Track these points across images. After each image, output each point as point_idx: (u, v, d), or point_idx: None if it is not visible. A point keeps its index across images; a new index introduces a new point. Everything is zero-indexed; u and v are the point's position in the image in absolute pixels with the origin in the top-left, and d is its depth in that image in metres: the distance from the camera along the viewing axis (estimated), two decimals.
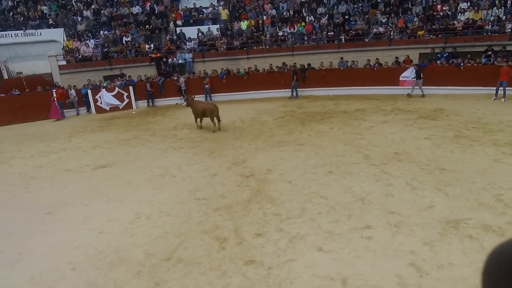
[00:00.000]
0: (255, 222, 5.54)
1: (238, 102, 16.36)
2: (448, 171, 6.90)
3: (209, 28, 19.04)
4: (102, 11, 20.37)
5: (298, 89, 16.18)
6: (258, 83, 16.77)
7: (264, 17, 19.40)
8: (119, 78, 16.93)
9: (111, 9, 20.60)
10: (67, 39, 18.74)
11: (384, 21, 17.53)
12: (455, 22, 16.16)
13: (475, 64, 14.40)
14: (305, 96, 16.20)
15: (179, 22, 19.70)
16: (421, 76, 14.33)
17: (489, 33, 15.40)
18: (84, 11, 20.48)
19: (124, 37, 18.89)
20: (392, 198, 5.99)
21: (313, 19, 18.62)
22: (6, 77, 17.98)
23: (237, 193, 6.64)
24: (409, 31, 16.76)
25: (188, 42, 18.49)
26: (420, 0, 17.81)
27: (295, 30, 18.32)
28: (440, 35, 16.12)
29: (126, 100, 16.63)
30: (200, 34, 18.68)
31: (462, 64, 14.39)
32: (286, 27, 18.56)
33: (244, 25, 19.09)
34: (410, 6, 17.92)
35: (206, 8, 20.37)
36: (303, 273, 4.26)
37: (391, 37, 16.91)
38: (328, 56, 16.92)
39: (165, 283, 4.29)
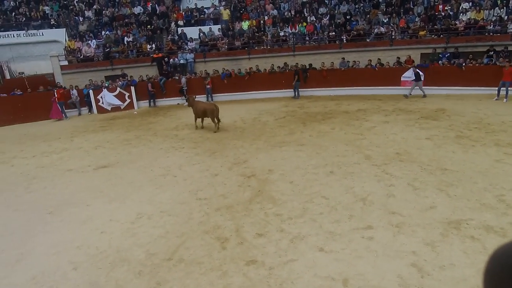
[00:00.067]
0: (256, 222, 5.54)
1: (239, 102, 16.37)
2: (450, 171, 6.88)
3: (210, 28, 19.06)
4: (103, 12, 20.42)
5: (299, 89, 16.19)
6: (260, 84, 16.78)
7: (266, 17, 19.41)
8: (120, 78, 16.96)
9: (113, 10, 20.65)
10: (69, 39, 18.80)
11: (385, 21, 17.52)
12: (457, 22, 16.13)
13: (477, 64, 14.36)
14: (307, 96, 16.20)
15: (180, 22, 19.73)
16: (421, 78, 14.30)
17: (491, 33, 15.37)
18: (86, 11, 20.54)
19: (125, 37, 18.93)
20: (394, 198, 5.98)
21: (314, 19, 18.62)
22: (8, 77, 18.04)
23: (238, 193, 6.64)
24: (410, 31, 16.74)
25: (190, 42, 18.51)
26: (421, 0, 17.78)
27: (296, 30, 18.32)
28: (441, 35, 16.09)
29: (128, 100, 16.66)
30: (201, 34, 18.70)
31: (464, 64, 14.36)
32: (288, 27, 18.56)
33: (245, 25, 19.11)
34: (412, 6, 17.89)
35: (208, 8, 20.40)
36: (304, 273, 4.26)
37: (393, 37, 16.89)
38: (330, 56, 16.92)
39: (166, 283, 4.29)
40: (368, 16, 18.13)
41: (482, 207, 5.46)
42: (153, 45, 18.33)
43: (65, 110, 15.72)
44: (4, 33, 18.87)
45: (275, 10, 19.74)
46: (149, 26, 19.56)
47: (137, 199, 6.69)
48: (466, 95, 13.91)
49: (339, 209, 5.73)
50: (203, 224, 5.60)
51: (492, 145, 8.14)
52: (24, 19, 19.55)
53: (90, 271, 4.60)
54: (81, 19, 20.14)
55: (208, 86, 16.64)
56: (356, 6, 18.86)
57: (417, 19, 17.05)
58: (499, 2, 16.09)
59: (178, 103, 16.84)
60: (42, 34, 19.16)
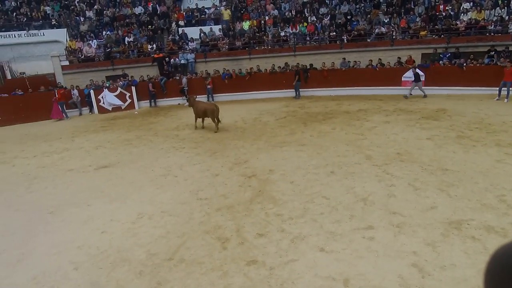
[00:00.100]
0: (257, 222, 5.54)
1: (240, 102, 16.37)
2: (451, 171, 6.88)
3: (211, 29, 19.07)
4: (104, 12, 20.45)
5: (300, 90, 16.18)
6: (260, 84, 16.78)
7: (266, 18, 19.41)
8: (121, 78, 16.98)
9: (114, 10, 20.68)
10: (70, 40, 18.82)
11: (386, 21, 17.51)
12: (457, 22, 16.11)
13: (478, 65, 14.35)
14: (307, 96, 16.20)
15: (181, 23, 19.75)
16: (420, 78, 14.29)
17: (492, 33, 15.36)
18: (86, 11, 20.56)
19: (126, 37, 18.95)
20: (394, 198, 5.97)
21: (315, 19, 18.61)
22: (9, 77, 18.09)
23: (239, 193, 6.64)
24: (411, 31, 16.73)
25: (190, 42, 18.52)
26: (422, 0, 17.77)
27: (297, 31, 18.32)
28: (442, 35, 16.08)
29: (129, 100, 16.68)
30: (202, 34, 18.70)
31: (464, 64, 14.35)
32: (288, 27, 18.56)
33: (246, 25, 19.11)
34: (413, 6, 17.88)
35: (208, 8, 20.41)
36: (305, 274, 4.26)
37: (394, 37, 16.88)
38: (330, 57, 16.92)
39: (167, 283, 4.29)
40: (369, 16, 18.12)
41: (483, 207, 5.45)
42: (154, 45, 18.35)
43: (66, 110, 15.74)
44: (5, 33, 18.91)
45: (276, 10, 19.74)
46: (150, 26, 19.57)
47: (138, 199, 6.70)
48: (467, 95, 13.89)
49: (340, 209, 5.73)
50: (204, 224, 5.60)
51: (493, 145, 8.13)
52: (25, 19, 19.58)
53: (91, 271, 4.61)
54: (82, 19, 20.17)
55: (209, 86, 16.64)
56: (357, 6, 18.85)
57: (418, 19, 17.04)
58: (500, 2, 16.07)
59: (178, 103, 16.85)
60: (43, 34, 19.19)
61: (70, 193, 7.26)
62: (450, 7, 16.90)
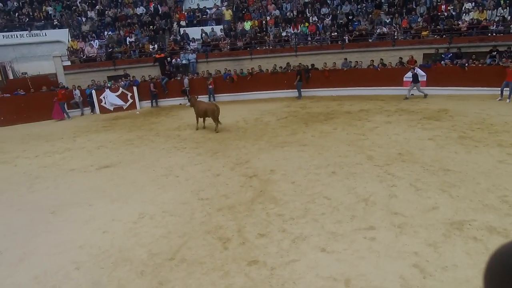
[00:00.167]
0: (258, 222, 5.54)
1: (241, 102, 16.38)
2: (452, 172, 6.86)
3: (212, 29, 19.09)
4: (106, 12, 20.48)
5: (301, 90, 16.17)
6: (262, 84, 16.78)
7: (268, 18, 19.41)
8: (123, 78, 17.00)
9: (116, 10, 20.72)
10: (71, 40, 18.86)
11: (388, 21, 17.48)
12: (459, 22, 16.08)
13: (480, 65, 14.32)
14: (309, 96, 16.18)
15: (182, 23, 19.77)
16: (418, 79, 14.25)
17: (494, 34, 15.32)
18: (88, 11, 20.60)
19: (128, 37, 18.98)
20: (396, 199, 5.96)
21: (316, 19, 18.60)
22: (11, 77, 18.14)
23: (240, 194, 6.64)
24: (413, 32, 16.70)
25: (192, 42, 18.54)
26: (424, 1, 17.74)
27: (298, 31, 18.31)
28: (444, 36, 16.05)
29: (130, 101, 16.70)
30: (203, 34, 18.72)
31: (466, 64, 14.31)
32: (290, 27, 18.56)
33: (247, 25, 19.11)
34: (414, 7, 17.85)
35: (210, 8, 20.43)
36: (306, 274, 4.26)
37: (395, 37, 16.86)
38: (332, 57, 16.90)
39: (168, 282, 4.30)
40: (371, 16, 18.10)
41: (485, 208, 5.44)
42: (156, 46, 18.37)
43: (68, 110, 15.78)
44: (7, 33, 18.96)
45: (277, 10, 19.74)
46: (151, 27, 19.60)
47: (139, 199, 6.71)
48: (469, 95, 13.86)
49: (341, 210, 5.72)
50: (205, 224, 5.60)
51: (495, 146, 8.11)
52: (27, 19, 19.64)
53: (92, 271, 4.62)
54: (83, 19, 20.21)
55: (210, 87, 16.65)
56: (359, 6, 18.84)
57: (419, 19, 17.01)
58: (502, 2, 16.03)
59: (180, 104, 16.87)
60: (45, 35, 19.23)
61: (71, 193, 7.27)
62: (452, 7, 16.87)
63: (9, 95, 15.71)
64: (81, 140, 11.64)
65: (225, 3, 20.61)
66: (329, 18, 18.41)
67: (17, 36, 19.02)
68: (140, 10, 20.71)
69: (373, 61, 15.98)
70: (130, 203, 6.57)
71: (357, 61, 16.41)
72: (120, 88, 16.43)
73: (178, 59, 17.88)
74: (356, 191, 6.37)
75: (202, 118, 11.80)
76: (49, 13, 20.25)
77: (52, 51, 17.91)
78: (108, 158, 9.45)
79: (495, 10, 15.89)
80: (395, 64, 15.79)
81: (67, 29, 19.49)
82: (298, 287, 4.06)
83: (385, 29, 17.09)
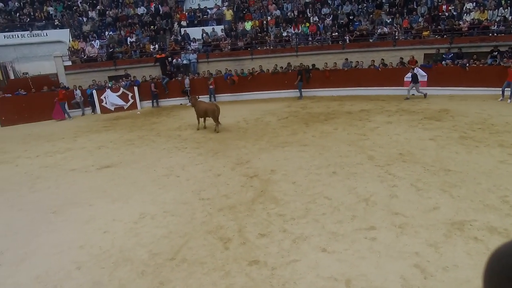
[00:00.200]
0: (259, 222, 5.54)
1: (242, 102, 16.39)
2: (453, 172, 6.86)
3: (213, 29, 19.10)
4: (107, 12, 20.51)
5: (302, 90, 16.17)
6: (262, 84, 16.79)
7: (268, 18, 19.42)
8: (124, 78, 17.02)
9: (116, 10, 20.74)
10: (72, 40, 18.89)
11: (389, 21, 17.48)
12: (460, 22, 16.07)
13: (481, 65, 14.30)
14: (309, 96, 16.19)
15: (183, 23, 19.78)
16: (418, 79, 14.24)
17: (495, 34, 15.30)
18: (89, 12, 20.63)
19: (129, 37, 19.00)
20: (397, 199, 5.96)
21: (317, 19, 18.61)
22: (12, 77, 18.18)
23: (241, 194, 6.64)
24: (414, 32, 16.70)
25: (193, 42, 18.55)
26: (425, 1, 17.72)
27: (299, 31, 18.32)
28: (445, 36, 16.04)
29: (131, 101, 16.72)
30: (204, 34, 18.73)
31: (467, 64, 14.30)
32: (291, 27, 18.56)
33: (248, 25, 19.12)
34: (415, 7, 17.85)
35: (211, 8, 20.45)
36: (306, 274, 4.26)
37: (396, 37, 16.85)
38: (333, 57, 16.90)
39: (169, 282, 4.30)
40: (371, 16, 18.10)
41: (486, 208, 5.43)
42: (156, 46, 18.39)
43: (69, 110, 15.80)
44: (8, 33, 19.00)
45: (278, 10, 19.75)
46: (152, 27, 19.62)
47: (140, 199, 6.71)
48: (469, 95, 13.85)
49: (342, 210, 5.72)
50: (206, 224, 5.61)
51: (496, 146, 8.10)
52: (28, 19, 19.67)
53: (93, 271, 4.62)
54: (84, 19, 20.24)
55: (211, 87, 16.66)
56: (359, 6, 18.83)
57: (420, 19, 17.00)
58: (503, 2, 16.01)
59: (181, 104, 16.88)
60: (46, 35, 19.26)
61: (72, 193, 7.28)
62: (453, 7, 16.86)
63: (10, 95, 15.73)
64: (82, 140, 11.65)
65: (226, 3, 20.62)
66: (330, 18, 18.41)
67: (18, 36, 19.05)
68: (141, 10, 20.73)
69: (374, 61, 15.97)
70: (131, 203, 6.58)
71: (358, 61, 16.41)
72: (121, 88, 16.45)
73: (179, 59, 17.90)
74: (356, 191, 6.36)
75: (202, 118, 11.81)
76: (50, 13, 20.28)
77: (53, 51, 17.94)
78: (109, 158, 9.45)
79: (496, 10, 15.88)
80: (396, 64, 15.79)
81: (68, 29, 19.52)
82: (298, 287, 4.06)
83: (386, 29, 17.08)
